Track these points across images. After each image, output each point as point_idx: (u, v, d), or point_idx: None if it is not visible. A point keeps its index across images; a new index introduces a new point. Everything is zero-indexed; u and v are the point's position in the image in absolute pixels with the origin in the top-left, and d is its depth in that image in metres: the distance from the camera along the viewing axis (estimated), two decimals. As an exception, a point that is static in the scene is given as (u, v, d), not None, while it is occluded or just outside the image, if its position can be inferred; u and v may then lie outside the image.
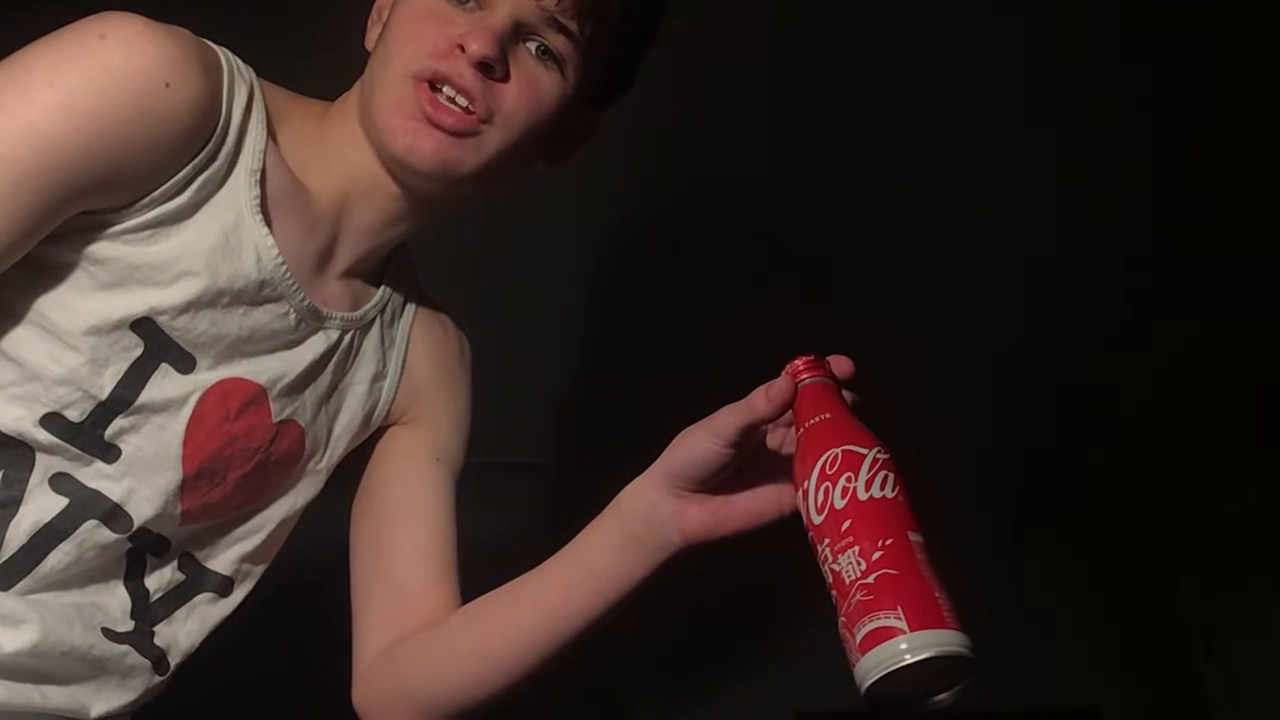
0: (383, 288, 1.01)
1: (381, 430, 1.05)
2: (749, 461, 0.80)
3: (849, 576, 0.68)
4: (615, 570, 0.84)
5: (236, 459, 0.90)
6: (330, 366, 0.96)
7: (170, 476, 0.86)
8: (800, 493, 0.73)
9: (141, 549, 0.88)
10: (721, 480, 0.80)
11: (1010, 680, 3.03)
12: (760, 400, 0.77)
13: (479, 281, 2.16)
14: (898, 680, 0.65)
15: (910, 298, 2.41)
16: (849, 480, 0.71)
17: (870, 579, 0.68)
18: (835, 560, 0.69)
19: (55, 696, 0.84)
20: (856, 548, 0.69)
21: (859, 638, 0.67)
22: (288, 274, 0.89)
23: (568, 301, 2.38)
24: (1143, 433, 2.85)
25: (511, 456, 2.68)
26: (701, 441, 0.78)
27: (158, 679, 0.91)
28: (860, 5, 1.84)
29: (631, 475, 0.84)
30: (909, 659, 0.65)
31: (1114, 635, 3.14)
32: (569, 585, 0.87)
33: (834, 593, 0.70)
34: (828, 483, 0.72)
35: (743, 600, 2.97)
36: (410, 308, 1.05)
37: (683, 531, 0.81)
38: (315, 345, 0.93)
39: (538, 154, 0.97)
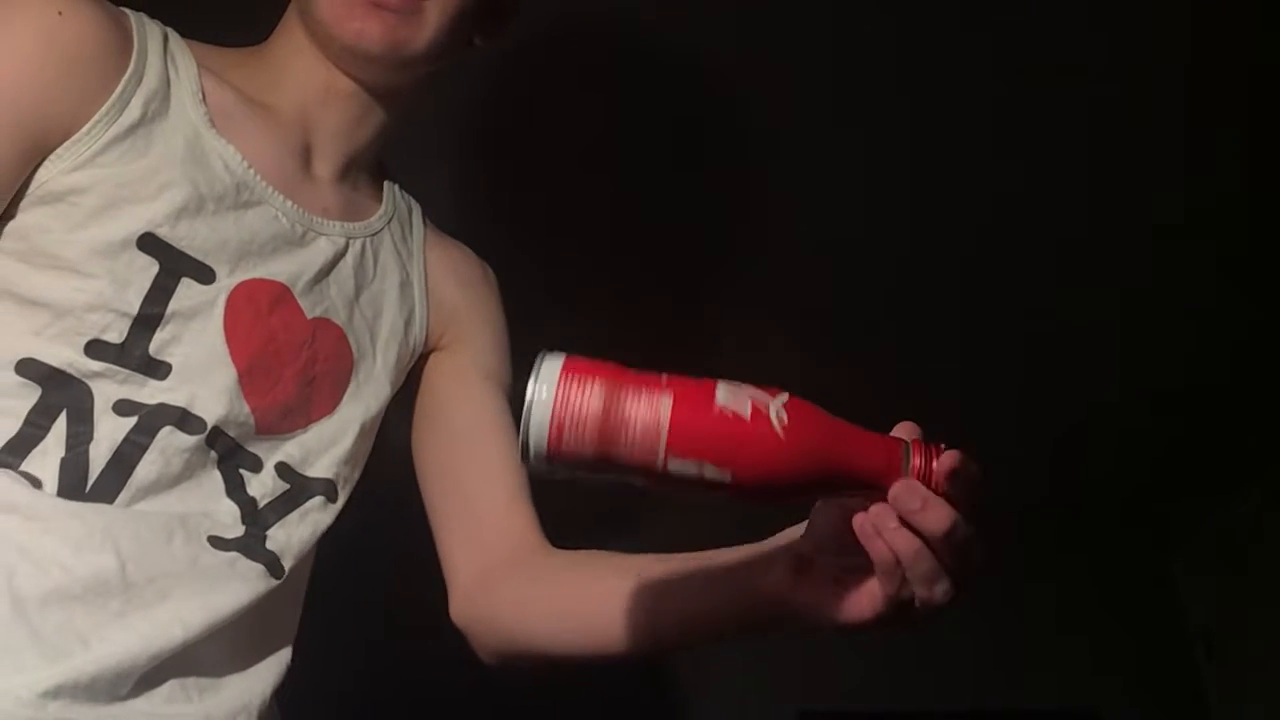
0: (385, 201, 1.05)
1: (424, 360, 1.07)
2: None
3: None
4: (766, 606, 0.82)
5: (285, 355, 0.92)
6: (349, 271, 0.99)
7: (226, 373, 0.88)
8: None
9: (233, 461, 0.90)
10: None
11: (1010, 680, 3.05)
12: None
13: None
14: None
15: (913, 293, 2.41)
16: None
17: None
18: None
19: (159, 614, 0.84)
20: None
21: None
22: (260, 179, 0.92)
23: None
24: (1143, 433, 2.86)
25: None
26: None
27: (274, 582, 0.91)
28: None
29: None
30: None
31: (1114, 635, 3.14)
32: (715, 603, 0.84)
33: None
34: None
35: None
36: (419, 227, 1.09)
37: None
38: (323, 248, 0.96)
39: (475, 28, 1.00)
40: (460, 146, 2.01)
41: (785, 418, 0.67)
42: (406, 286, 1.05)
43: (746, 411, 0.66)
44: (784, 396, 0.68)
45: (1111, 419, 2.81)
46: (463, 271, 1.12)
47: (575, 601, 0.94)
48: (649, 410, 0.65)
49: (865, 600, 0.74)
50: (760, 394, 0.67)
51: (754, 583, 0.80)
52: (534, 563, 0.99)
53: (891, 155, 2.08)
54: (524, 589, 0.97)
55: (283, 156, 0.96)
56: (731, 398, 0.67)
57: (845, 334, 2.51)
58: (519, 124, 2.00)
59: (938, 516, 0.70)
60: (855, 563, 0.73)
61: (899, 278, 2.36)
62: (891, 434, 0.72)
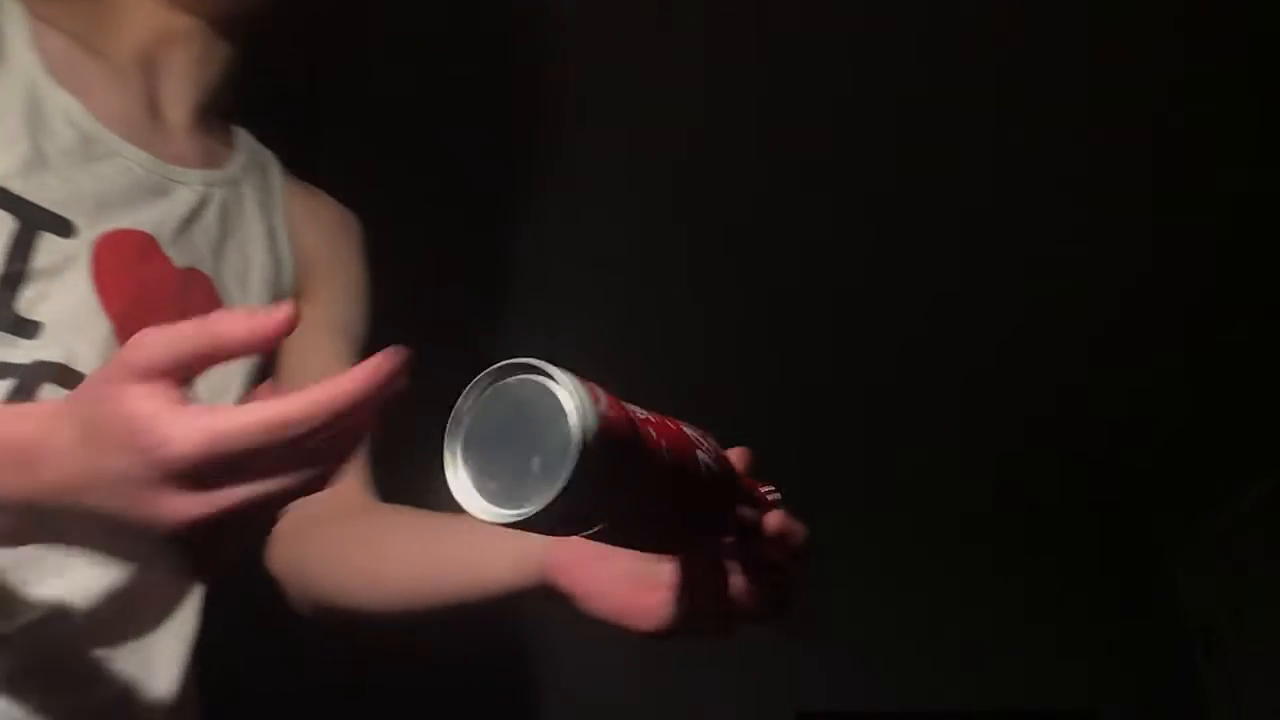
0: (240, 149, 1.02)
1: None
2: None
3: None
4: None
5: (158, 305, 0.89)
6: (213, 220, 0.96)
7: (100, 325, 0.85)
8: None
9: None
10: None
11: (1010, 680, 3.05)
12: None
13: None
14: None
15: (909, 291, 2.41)
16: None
17: None
18: None
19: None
20: None
21: None
22: (108, 131, 0.89)
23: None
24: (1143, 432, 2.86)
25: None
26: None
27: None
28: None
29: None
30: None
31: (1114, 635, 3.14)
32: (489, 559, 0.83)
33: None
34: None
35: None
36: (277, 175, 1.07)
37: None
38: (184, 197, 0.94)
39: None
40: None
41: (713, 459, 0.64)
42: (272, 235, 1.02)
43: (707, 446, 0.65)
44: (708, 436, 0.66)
45: (1111, 418, 2.81)
46: (323, 219, 1.09)
47: (365, 557, 0.92)
48: (665, 424, 0.61)
49: (653, 607, 0.71)
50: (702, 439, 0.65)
51: (531, 544, 0.78)
52: (347, 517, 0.95)
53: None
54: (328, 543, 0.95)
55: (129, 105, 0.92)
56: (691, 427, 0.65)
57: (825, 320, 2.51)
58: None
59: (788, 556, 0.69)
60: (649, 566, 0.72)
61: (879, 267, 2.36)
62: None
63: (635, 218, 2.20)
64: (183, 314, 0.88)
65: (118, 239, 0.88)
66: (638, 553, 0.71)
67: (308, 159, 1.12)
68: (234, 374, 0.95)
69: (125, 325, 0.86)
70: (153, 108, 0.95)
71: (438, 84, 1.91)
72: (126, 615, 0.86)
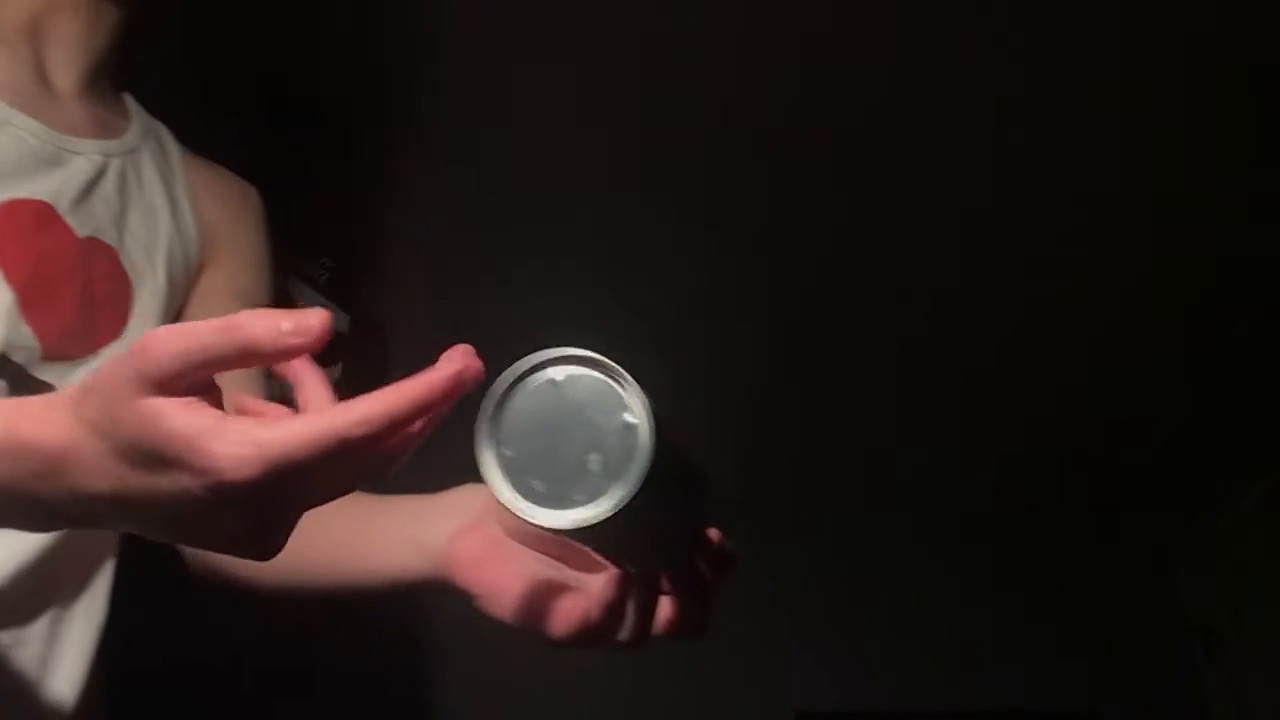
0: (135, 119, 1.01)
1: (195, 282, 1.03)
2: None
3: None
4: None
5: (60, 275, 0.87)
6: (113, 190, 0.94)
7: (2, 295, 0.83)
8: None
9: (23, 389, 0.84)
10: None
11: (1010, 680, 3.05)
12: None
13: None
14: None
15: (909, 291, 2.41)
16: None
17: None
18: None
19: None
20: None
21: None
22: None
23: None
24: (1142, 432, 2.86)
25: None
26: None
27: None
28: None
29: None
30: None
31: (1114, 635, 3.14)
32: (387, 549, 0.81)
33: None
34: None
35: (743, 600, 2.97)
36: (174, 147, 1.05)
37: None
38: (81, 167, 0.92)
39: None
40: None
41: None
42: (175, 205, 1.01)
43: None
44: None
45: (1111, 418, 2.81)
46: (222, 191, 1.07)
47: None
48: None
49: (563, 614, 0.67)
50: None
51: (431, 535, 0.76)
52: None
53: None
54: None
55: (17, 73, 0.90)
56: None
57: (826, 320, 2.51)
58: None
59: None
60: (556, 570, 0.69)
61: (879, 267, 2.36)
62: None
63: (638, 217, 2.21)
64: (87, 283, 0.88)
65: (14, 208, 0.86)
66: (543, 556, 0.68)
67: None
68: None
69: (27, 295, 0.84)
70: (41, 77, 0.92)
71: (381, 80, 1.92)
72: (38, 593, 0.83)
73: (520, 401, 0.50)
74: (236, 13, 1.74)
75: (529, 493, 0.50)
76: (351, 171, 2.06)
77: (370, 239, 2.02)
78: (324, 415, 0.49)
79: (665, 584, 0.66)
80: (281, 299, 1.71)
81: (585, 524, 0.48)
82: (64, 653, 0.85)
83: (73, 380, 0.84)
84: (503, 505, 0.50)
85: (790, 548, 2.99)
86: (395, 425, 0.49)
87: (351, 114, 1.97)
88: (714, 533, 0.65)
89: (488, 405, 0.51)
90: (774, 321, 2.49)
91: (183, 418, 0.49)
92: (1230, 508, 3.08)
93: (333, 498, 0.53)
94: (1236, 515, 3.07)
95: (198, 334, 0.50)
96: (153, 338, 0.50)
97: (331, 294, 1.81)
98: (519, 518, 0.49)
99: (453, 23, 1.81)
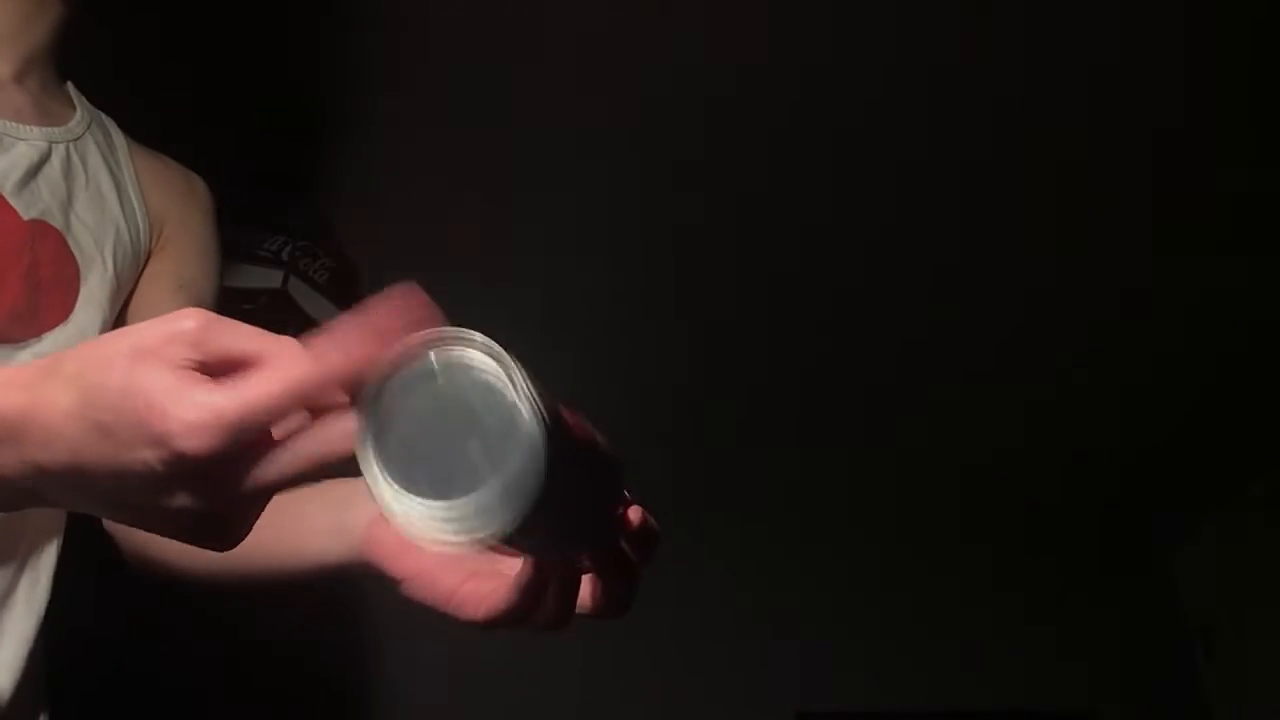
0: (79, 108, 1.01)
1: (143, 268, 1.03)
2: None
3: None
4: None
5: (6, 257, 0.87)
6: (58, 175, 0.94)
7: None
8: None
9: None
10: None
11: (1010, 680, 3.05)
12: None
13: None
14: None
15: (909, 291, 2.41)
16: None
17: None
18: None
19: None
20: None
21: None
22: None
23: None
24: (1142, 432, 2.86)
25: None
26: None
27: None
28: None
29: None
30: None
31: (1114, 635, 3.14)
32: (308, 533, 0.81)
33: None
34: None
35: (743, 600, 2.98)
36: (119, 136, 1.05)
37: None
38: (25, 152, 0.92)
39: None
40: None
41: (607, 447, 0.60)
42: (122, 193, 1.01)
43: None
44: None
45: (1111, 417, 2.81)
46: (169, 181, 1.08)
47: None
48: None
49: (484, 596, 0.66)
50: None
51: (352, 518, 0.75)
52: None
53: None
54: None
55: None
56: None
57: (825, 319, 2.51)
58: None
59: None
60: (474, 558, 0.68)
61: (880, 266, 2.36)
62: None
63: (632, 211, 2.20)
64: (32, 265, 0.87)
65: None
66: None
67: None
68: (87, 329, 0.93)
69: None
70: None
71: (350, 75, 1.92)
72: None
73: (399, 393, 0.47)
74: (236, 13, 1.74)
75: (416, 489, 0.46)
76: (352, 172, 2.06)
77: (369, 239, 2.02)
78: (277, 371, 0.47)
79: (587, 563, 0.65)
80: (280, 299, 1.71)
81: (480, 540, 0.45)
82: (2, 640, 0.84)
83: (16, 364, 0.84)
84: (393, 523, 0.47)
85: (790, 548, 3.00)
86: (354, 369, 0.48)
87: (351, 114, 1.96)
88: (634, 511, 0.64)
89: (365, 402, 0.47)
90: (775, 320, 2.49)
91: (153, 374, 0.47)
92: (1230, 508, 3.08)
93: (293, 481, 0.50)
94: (1236, 515, 3.07)
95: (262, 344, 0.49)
96: (211, 323, 0.49)
97: (331, 294, 1.81)
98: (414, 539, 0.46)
99: (453, 23, 1.81)
